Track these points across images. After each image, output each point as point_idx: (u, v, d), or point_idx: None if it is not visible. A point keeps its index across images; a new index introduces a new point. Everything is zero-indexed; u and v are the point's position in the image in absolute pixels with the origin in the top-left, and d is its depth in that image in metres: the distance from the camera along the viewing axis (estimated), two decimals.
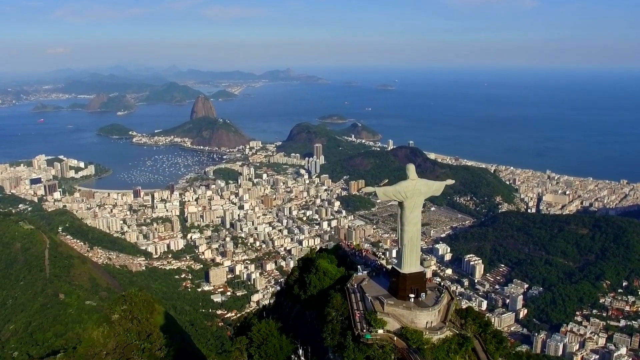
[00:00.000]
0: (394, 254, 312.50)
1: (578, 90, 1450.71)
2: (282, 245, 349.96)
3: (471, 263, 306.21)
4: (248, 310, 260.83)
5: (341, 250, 75.61)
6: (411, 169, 54.70)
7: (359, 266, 64.10)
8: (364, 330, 50.14)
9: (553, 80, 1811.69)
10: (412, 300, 53.62)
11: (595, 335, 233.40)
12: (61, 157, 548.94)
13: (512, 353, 68.19)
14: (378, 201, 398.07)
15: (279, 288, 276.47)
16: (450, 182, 61.06)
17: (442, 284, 61.31)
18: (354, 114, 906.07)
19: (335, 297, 56.89)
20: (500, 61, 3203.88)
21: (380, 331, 50.31)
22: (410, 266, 54.86)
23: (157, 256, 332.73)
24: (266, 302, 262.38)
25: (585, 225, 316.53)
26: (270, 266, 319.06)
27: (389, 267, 62.06)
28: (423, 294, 54.65)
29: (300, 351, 59.97)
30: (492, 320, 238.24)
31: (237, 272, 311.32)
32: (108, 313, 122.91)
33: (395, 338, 49.99)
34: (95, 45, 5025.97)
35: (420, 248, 58.33)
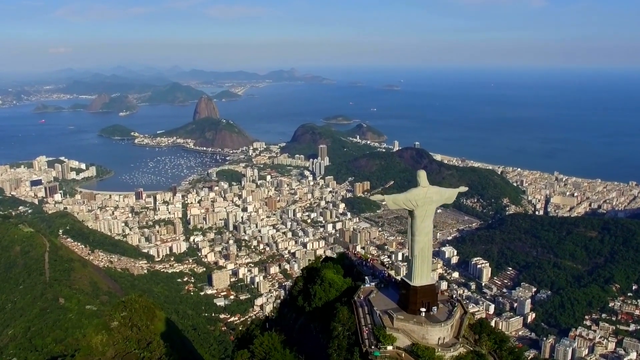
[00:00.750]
0: (399, 257, 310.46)
1: (586, 90, 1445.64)
2: (286, 248, 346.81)
3: (478, 266, 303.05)
4: (251, 314, 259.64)
5: (347, 260, 72.70)
6: (422, 175, 51.68)
7: (366, 277, 61.53)
8: (373, 347, 47.76)
9: (561, 80, 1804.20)
10: (423, 314, 51.12)
11: (605, 340, 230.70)
12: (62, 158, 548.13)
13: None
14: (383, 203, 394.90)
15: (282, 292, 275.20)
16: (463, 189, 58.47)
17: (454, 296, 58.34)
18: (359, 114, 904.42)
19: (341, 311, 54.53)
20: (508, 61, 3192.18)
21: (390, 348, 47.84)
22: (421, 278, 52.39)
23: (159, 259, 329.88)
24: (270, 306, 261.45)
25: (594, 227, 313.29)
26: (274, 269, 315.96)
27: (399, 278, 59.49)
28: (435, 308, 52.22)
29: None
30: (500, 325, 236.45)
31: (241, 276, 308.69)
32: (107, 320, 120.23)
33: (403, 355, 47.48)
34: (97, 45, 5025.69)
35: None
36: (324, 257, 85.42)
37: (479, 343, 50.65)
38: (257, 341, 60.13)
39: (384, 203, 52.43)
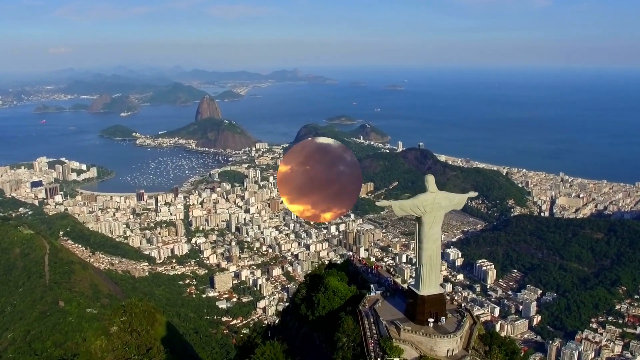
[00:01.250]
0: (403, 259, 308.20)
1: (591, 90, 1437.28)
2: (289, 250, 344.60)
3: (483, 268, 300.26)
4: (254, 317, 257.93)
5: (352, 267, 70.83)
6: (430, 180, 49.52)
7: (371, 285, 59.62)
8: (379, 359, 46.13)
9: (566, 80, 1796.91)
10: (431, 325, 49.55)
11: (611, 343, 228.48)
12: (63, 159, 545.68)
13: None
14: (389, 208, 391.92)
15: (285, 294, 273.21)
16: (473, 194, 56.72)
17: (463, 305, 56.28)
18: (362, 114, 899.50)
19: (346, 321, 53.01)
20: (511, 61, 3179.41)
21: None
22: (429, 287, 50.76)
23: (160, 261, 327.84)
24: (272, 308, 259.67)
25: (600, 229, 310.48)
26: (276, 271, 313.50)
27: (405, 286, 57.54)
28: (443, 318, 50.59)
29: None
30: (505, 328, 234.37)
31: (243, 278, 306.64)
32: (107, 325, 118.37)
33: None
34: (98, 45, 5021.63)
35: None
36: (327, 263, 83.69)
37: (490, 355, 49.33)
38: (258, 350, 59.28)
39: (389, 207, 50.22)
